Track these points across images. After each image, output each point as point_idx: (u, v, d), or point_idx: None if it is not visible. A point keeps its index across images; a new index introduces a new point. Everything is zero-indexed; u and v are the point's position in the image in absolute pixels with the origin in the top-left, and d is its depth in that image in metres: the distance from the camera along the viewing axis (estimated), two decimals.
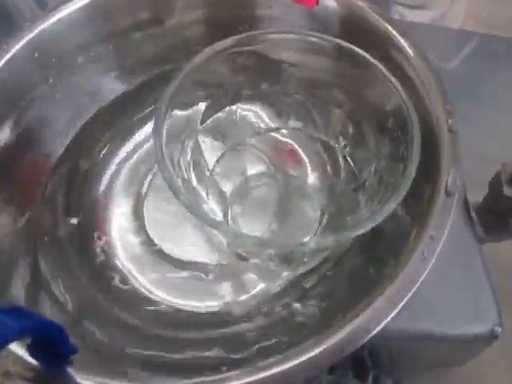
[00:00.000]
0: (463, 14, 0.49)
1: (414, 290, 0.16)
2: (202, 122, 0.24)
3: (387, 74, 0.18)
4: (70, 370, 0.14)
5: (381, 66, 0.19)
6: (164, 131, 0.20)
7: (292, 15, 0.27)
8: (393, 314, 0.16)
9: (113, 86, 0.29)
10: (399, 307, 0.16)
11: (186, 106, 0.22)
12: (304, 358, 0.15)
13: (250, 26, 0.28)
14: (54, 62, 0.26)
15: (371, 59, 0.19)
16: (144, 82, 0.29)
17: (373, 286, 0.17)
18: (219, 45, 0.21)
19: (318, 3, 0.24)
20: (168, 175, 0.19)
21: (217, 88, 0.24)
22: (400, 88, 0.18)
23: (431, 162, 0.19)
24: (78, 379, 0.14)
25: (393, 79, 0.18)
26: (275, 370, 0.15)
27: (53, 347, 0.14)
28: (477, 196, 0.26)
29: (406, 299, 0.16)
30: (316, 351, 0.15)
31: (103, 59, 0.28)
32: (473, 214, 0.26)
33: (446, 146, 0.18)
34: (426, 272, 0.17)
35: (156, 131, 0.20)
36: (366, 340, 0.16)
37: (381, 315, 0.16)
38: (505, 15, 0.42)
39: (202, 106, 0.24)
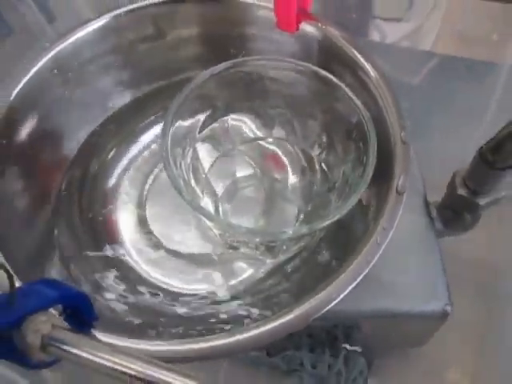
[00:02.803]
0: (438, 28, 0.52)
1: (369, 267, 0.19)
2: (199, 131, 0.27)
3: (350, 93, 0.22)
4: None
5: (344, 87, 0.22)
6: (169, 139, 0.23)
7: (277, 35, 0.29)
8: (353, 285, 0.19)
9: (120, 97, 0.32)
10: (358, 281, 0.19)
11: (187, 117, 0.25)
12: (282, 320, 0.18)
13: (241, 42, 0.31)
14: (70, 76, 0.29)
15: (337, 81, 0.23)
16: (147, 93, 0.32)
17: (338, 267, 0.20)
18: (216, 68, 0.24)
19: (298, 30, 0.27)
20: (172, 176, 0.22)
21: (213, 102, 0.27)
22: (360, 106, 0.22)
23: (387, 167, 0.22)
24: (101, 337, 0.17)
25: (354, 98, 0.22)
26: (262, 329, 0.18)
27: (79, 314, 0.16)
28: (438, 196, 0.28)
29: (363, 274, 0.19)
30: (292, 315, 0.18)
31: (112, 72, 0.31)
32: (433, 211, 0.29)
33: (398, 154, 0.22)
34: (379, 254, 0.20)
35: (163, 138, 0.23)
36: (330, 306, 0.19)
37: (344, 287, 0.19)
38: (479, 30, 0.44)
39: (201, 117, 0.27)
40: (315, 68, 0.23)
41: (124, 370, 0.13)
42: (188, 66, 0.32)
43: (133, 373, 0.13)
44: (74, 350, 0.13)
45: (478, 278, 0.34)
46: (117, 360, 0.13)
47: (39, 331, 0.14)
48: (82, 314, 0.16)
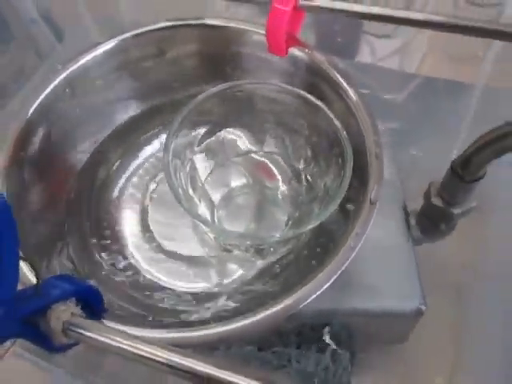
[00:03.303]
0: (426, 45, 0.55)
1: (344, 267, 0.22)
2: (198, 145, 0.30)
3: (330, 114, 0.24)
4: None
5: (325, 108, 0.25)
6: (171, 152, 0.26)
7: (269, 55, 0.30)
8: (329, 283, 0.22)
9: (124, 111, 0.34)
10: (333, 279, 0.22)
11: (187, 132, 0.28)
12: (270, 311, 0.21)
13: (236, 61, 0.33)
14: (80, 93, 0.31)
15: (318, 103, 0.25)
16: (149, 108, 0.35)
17: (318, 266, 0.23)
18: (213, 89, 0.27)
19: (287, 54, 0.30)
20: (173, 186, 0.25)
21: (210, 118, 0.29)
22: (339, 125, 0.24)
23: (363, 179, 0.24)
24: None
25: (334, 118, 0.24)
26: (253, 318, 0.21)
27: (91, 306, 0.18)
28: (418, 204, 0.30)
29: (338, 273, 0.22)
30: (278, 307, 0.21)
31: (117, 87, 0.33)
32: (412, 219, 0.30)
33: (373, 168, 0.24)
34: (352, 256, 0.22)
35: (165, 152, 0.25)
36: (309, 300, 0.22)
37: (321, 285, 0.22)
38: (466, 48, 0.47)
39: (199, 132, 0.29)
40: (301, 91, 0.26)
41: (133, 350, 0.15)
42: (186, 83, 0.35)
43: (142, 353, 0.15)
44: (90, 334, 0.16)
45: (453, 277, 0.36)
46: (126, 341, 0.16)
47: (60, 318, 0.16)
48: (93, 306, 0.19)
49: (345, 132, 0.24)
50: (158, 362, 0.15)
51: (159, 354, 0.15)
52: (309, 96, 0.25)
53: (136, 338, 0.16)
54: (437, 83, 0.41)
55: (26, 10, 0.43)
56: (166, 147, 0.25)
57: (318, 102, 0.25)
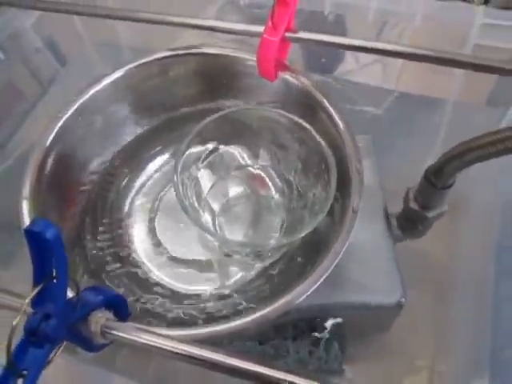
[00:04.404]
0: (407, 42, 0.57)
1: (331, 269, 0.25)
2: (202, 161, 0.33)
3: (316, 135, 0.28)
4: None
5: (311, 129, 0.28)
6: (179, 169, 0.29)
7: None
8: (321, 280, 0.25)
9: (129, 132, 0.37)
10: (322, 279, 0.25)
11: (193, 151, 0.31)
12: (269, 308, 0.24)
13: (231, 83, 0.36)
14: (89, 120, 0.34)
15: (305, 124, 0.28)
16: (151, 127, 0.37)
17: (309, 268, 0.26)
18: (215, 115, 0.30)
19: (276, 78, 0.33)
20: (180, 199, 0.28)
21: (213, 138, 0.32)
22: (324, 145, 0.27)
23: (346, 190, 0.27)
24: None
25: (319, 138, 0.28)
26: (258, 314, 0.24)
27: (118, 311, 0.21)
28: (399, 207, 0.32)
29: (326, 274, 0.25)
30: (276, 304, 0.24)
31: (123, 111, 0.36)
32: (393, 220, 0.33)
33: (354, 181, 0.27)
34: (338, 259, 0.25)
35: (175, 169, 0.28)
36: (304, 297, 0.24)
37: (314, 282, 0.25)
38: (448, 42, 0.49)
39: (203, 150, 0.32)
40: (290, 115, 0.29)
41: (161, 346, 0.19)
42: (185, 102, 0.38)
43: (170, 348, 0.18)
44: (123, 334, 0.19)
45: (431, 271, 0.39)
46: (153, 339, 0.19)
47: (99, 323, 0.19)
48: (120, 310, 0.22)
49: (330, 150, 0.28)
50: (190, 357, 0.18)
51: (193, 350, 0.18)
52: (297, 119, 0.29)
53: (160, 335, 0.19)
54: (413, 98, 0.44)
55: (30, 41, 0.45)
56: (175, 166, 0.28)
57: (306, 125, 0.28)
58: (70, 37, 0.48)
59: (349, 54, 0.54)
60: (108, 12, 0.30)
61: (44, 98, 0.44)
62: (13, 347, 0.16)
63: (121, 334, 0.19)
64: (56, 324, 0.17)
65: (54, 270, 0.17)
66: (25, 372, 0.17)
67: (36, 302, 0.17)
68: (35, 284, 0.17)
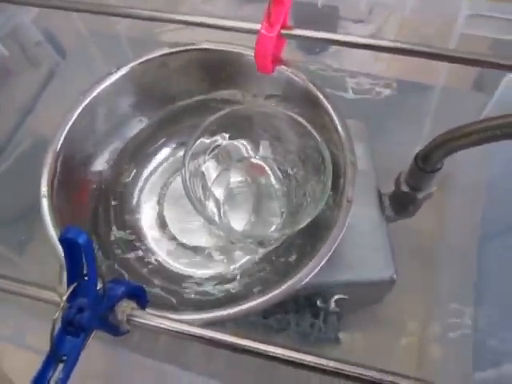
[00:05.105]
0: (397, 28, 0.59)
1: (331, 253, 0.27)
2: (208, 154, 0.34)
3: (313, 130, 0.29)
4: None
5: (308, 126, 0.29)
6: (187, 162, 0.30)
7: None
8: (326, 259, 0.27)
9: (133, 126, 0.38)
10: (323, 262, 0.27)
11: (200, 144, 0.32)
12: (280, 289, 0.26)
13: (231, 72, 0.37)
14: (96, 117, 0.35)
15: (302, 121, 0.30)
16: (155, 121, 0.39)
17: (309, 249, 0.28)
18: (221, 112, 0.32)
19: (273, 72, 0.33)
20: (189, 192, 0.30)
21: (218, 132, 0.34)
22: (320, 140, 0.29)
23: (341, 182, 0.29)
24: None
25: (316, 134, 0.29)
26: (267, 296, 0.26)
27: (139, 300, 0.23)
28: (390, 189, 0.33)
29: (327, 257, 0.27)
30: (284, 286, 0.26)
31: (126, 106, 0.37)
32: (385, 201, 0.34)
33: (349, 174, 0.29)
34: (337, 243, 0.27)
35: (183, 165, 0.30)
36: (312, 275, 0.26)
37: (319, 262, 0.27)
38: (435, 31, 0.51)
39: (209, 143, 0.33)
40: (289, 112, 0.30)
41: (179, 330, 0.21)
42: (186, 95, 0.39)
43: (187, 332, 0.21)
44: (147, 322, 0.22)
45: (421, 246, 0.41)
46: (172, 325, 0.21)
47: (125, 312, 0.21)
48: (140, 299, 0.24)
49: (324, 143, 0.29)
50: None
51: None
52: (295, 116, 0.30)
53: (179, 321, 0.21)
54: (403, 84, 0.46)
55: (30, 35, 0.45)
56: (183, 161, 0.30)
57: (303, 121, 0.30)
58: (68, 29, 0.49)
59: (340, 29, 0.54)
60: (99, 9, 0.31)
61: (46, 89, 0.45)
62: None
63: (145, 321, 0.21)
64: (89, 316, 0.19)
65: (85, 269, 0.19)
66: (64, 358, 0.19)
67: (71, 296, 0.19)
68: (69, 282, 0.19)
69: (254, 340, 0.20)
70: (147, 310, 0.22)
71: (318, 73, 0.47)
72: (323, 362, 0.19)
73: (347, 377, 0.19)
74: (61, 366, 0.19)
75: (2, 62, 0.45)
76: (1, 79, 0.45)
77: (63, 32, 0.48)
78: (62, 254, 0.27)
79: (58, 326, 0.19)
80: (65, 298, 0.19)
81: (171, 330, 0.21)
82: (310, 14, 0.51)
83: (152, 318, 0.22)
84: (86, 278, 0.19)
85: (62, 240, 0.18)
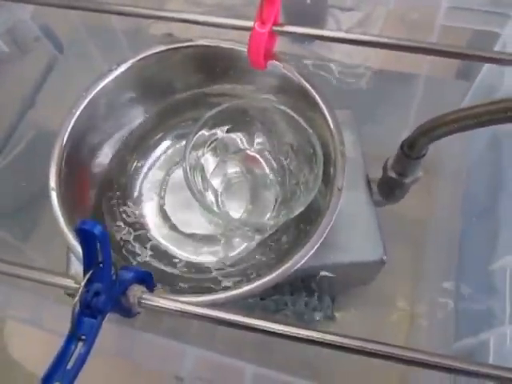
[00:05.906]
0: (385, 16, 0.60)
1: (323, 238, 0.29)
2: (207, 147, 0.35)
3: (305, 124, 0.31)
4: None
5: (299, 119, 0.31)
6: (188, 155, 0.32)
7: None
8: (319, 243, 0.28)
9: (134, 120, 0.39)
10: (316, 247, 0.28)
11: (200, 137, 0.34)
12: (276, 272, 0.28)
13: (227, 70, 0.38)
14: (99, 112, 0.36)
15: (293, 114, 0.31)
16: (154, 115, 0.40)
17: (303, 235, 0.30)
18: (219, 107, 0.33)
19: (265, 67, 0.34)
20: (189, 183, 0.31)
21: (217, 126, 0.35)
22: (311, 132, 0.30)
23: (332, 171, 0.31)
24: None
25: (307, 127, 0.31)
26: (265, 279, 0.27)
27: (147, 284, 0.25)
28: (378, 175, 0.34)
29: (319, 242, 0.29)
30: (278, 270, 0.28)
31: (127, 100, 0.38)
32: (374, 186, 0.35)
33: (339, 164, 0.30)
34: (330, 227, 0.29)
35: (184, 158, 0.32)
36: (307, 257, 0.28)
37: (313, 245, 0.28)
38: (423, 18, 0.52)
39: (209, 136, 0.35)
40: (282, 107, 0.32)
41: (186, 311, 0.23)
42: (184, 88, 0.40)
43: (194, 312, 0.23)
44: (156, 303, 0.23)
45: (409, 231, 0.43)
46: (180, 306, 0.23)
47: (136, 295, 0.23)
48: (148, 283, 0.26)
49: (316, 136, 0.31)
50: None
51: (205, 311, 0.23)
52: (289, 111, 0.32)
53: (185, 302, 0.23)
54: (389, 73, 0.47)
55: (29, 31, 0.46)
56: (184, 153, 0.32)
57: (295, 115, 0.31)
58: (65, 24, 0.50)
59: (330, 17, 0.56)
60: (90, 5, 0.32)
61: (45, 84, 0.46)
62: None
63: (154, 303, 0.23)
64: (104, 299, 0.21)
65: (100, 257, 0.21)
66: (83, 337, 0.21)
67: (87, 282, 0.21)
68: (86, 269, 0.21)
69: (256, 318, 0.22)
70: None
71: (307, 63, 0.48)
72: (319, 335, 0.21)
73: (343, 348, 0.21)
74: (80, 344, 0.21)
75: (1, 58, 0.46)
76: (1, 74, 0.46)
77: (60, 27, 0.49)
78: (73, 244, 0.29)
79: (77, 308, 0.21)
80: (83, 283, 0.20)
81: (178, 311, 0.23)
82: (299, 1, 0.52)
83: (160, 301, 0.23)
84: (101, 266, 0.21)
85: (79, 231, 0.19)
